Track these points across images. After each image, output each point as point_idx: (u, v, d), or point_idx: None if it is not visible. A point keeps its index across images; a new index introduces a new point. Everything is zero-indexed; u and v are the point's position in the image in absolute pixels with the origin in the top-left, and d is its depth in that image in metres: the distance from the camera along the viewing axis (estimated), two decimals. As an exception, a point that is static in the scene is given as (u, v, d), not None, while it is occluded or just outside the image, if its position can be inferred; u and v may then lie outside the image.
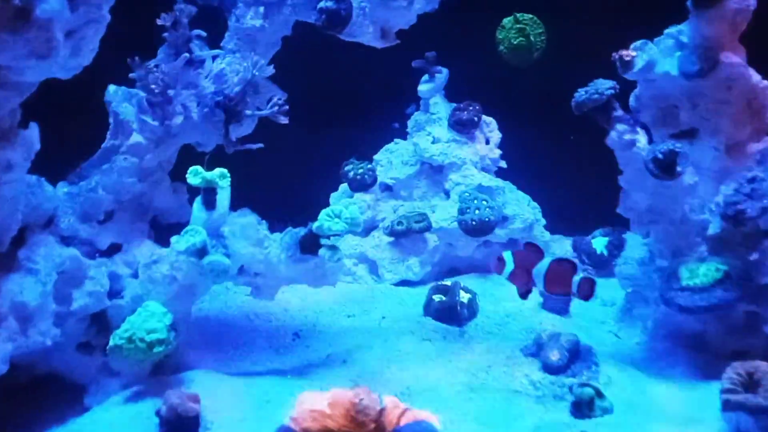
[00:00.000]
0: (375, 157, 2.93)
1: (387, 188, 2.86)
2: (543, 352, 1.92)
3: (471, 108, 2.78)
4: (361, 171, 2.81)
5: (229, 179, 1.84)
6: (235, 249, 1.82)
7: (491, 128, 2.84)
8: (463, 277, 2.58)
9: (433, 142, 2.78)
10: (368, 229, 2.79)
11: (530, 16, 2.53)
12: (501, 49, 2.55)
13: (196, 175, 1.79)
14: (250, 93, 1.96)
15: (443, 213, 2.69)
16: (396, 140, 2.97)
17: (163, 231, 2.05)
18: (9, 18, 1.18)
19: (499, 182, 2.74)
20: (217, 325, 2.20)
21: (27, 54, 1.19)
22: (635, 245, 2.23)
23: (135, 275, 1.88)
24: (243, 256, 1.85)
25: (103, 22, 1.46)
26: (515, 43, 2.54)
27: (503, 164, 2.82)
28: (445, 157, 2.74)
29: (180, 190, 2.11)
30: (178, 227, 1.87)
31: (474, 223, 2.58)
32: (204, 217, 1.83)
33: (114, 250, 1.96)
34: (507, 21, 2.53)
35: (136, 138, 1.94)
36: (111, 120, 1.95)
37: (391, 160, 2.90)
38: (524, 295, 1.88)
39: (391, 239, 2.70)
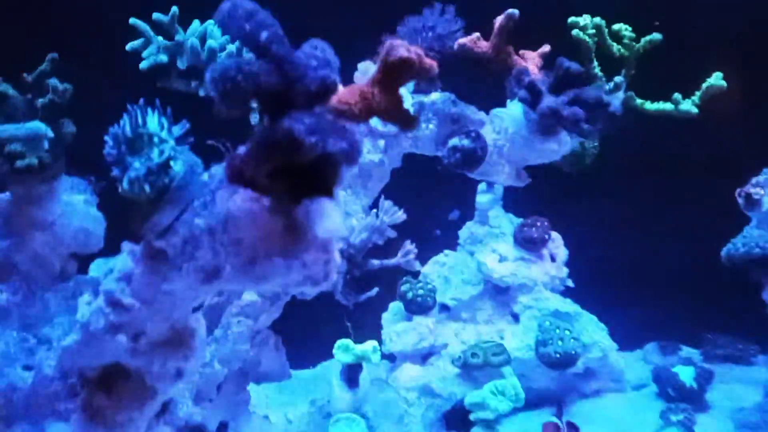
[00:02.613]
0: (423, 270, 2.78)
1: (445, 308, 2.71)
2: None
3: (539, 224, 2.69)
4: (421, 292, 2.64)
5: (380, 352, 1.64)
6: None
7: (557, 244, 2.76)
8: (537, 412, 2.47)
9: (500, 261, 2.66)
10: (425, 355, 2.63)
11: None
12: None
13: (347, 351, 1.58)
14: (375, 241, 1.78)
15: (515, 341, 2.57)
16: (445, 252, 2.84)
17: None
18: (280, 235, 0.96)
19: (575, 307, 2.65)
20: None
21: (301, 280, 0.98)
22: (728, 377, 2.20)
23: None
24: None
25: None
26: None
27: (570, 283, 2.74)
28: (515, 278, 2.63)
29: (279, 344, 1.88)
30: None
31: (558, 355, 2.47)
32: (348, 398, 1.61)
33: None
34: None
35: (250, 296, 1.71)
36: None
37: (447, 276, 2.76)
38: None
39: (459, 371, 2.54)
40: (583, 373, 2.58)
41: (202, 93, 1.92)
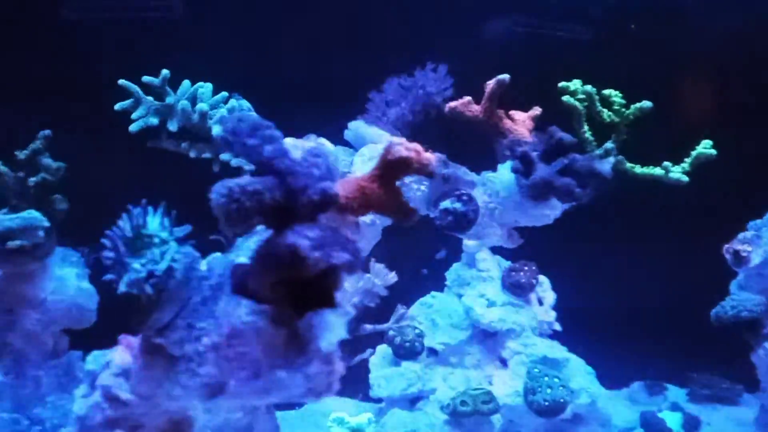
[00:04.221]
0: (410, 312, 2.81)
1: (433, 352, 2.75)
2: None
3: (527, 268, 2.74)
4: (410, 338, 2.68)
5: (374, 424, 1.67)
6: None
7: (544, 288, 2.81)
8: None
9: (488, 306, 2.71)
10: (413, 399, 2.67)
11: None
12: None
13: (342, 425, 1.61)
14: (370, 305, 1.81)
15: (504, 387, 2.61)
16: (432, 293, 2.87)
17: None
18: (283, 347, 0.99)
19: (563, 351, 2.70)
20: None
21: (304, 393, 1.01)
22: (715, 418, 2.25)
23: None
24: None
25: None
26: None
27: (557, 327, 2.79)
28: (503, 323, 2.67)
29: (271, 408, 1.90)
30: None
31: (547, 404, 2.52)
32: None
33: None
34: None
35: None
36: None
37: (434, 319, 2.79)
38: None
39: (448, 417, 2.58)
40: (572, 419, 2.62)
41: (193, 154, 1.95)
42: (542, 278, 2.81)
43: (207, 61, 2.08)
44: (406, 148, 1.17)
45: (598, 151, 1.77)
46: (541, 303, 2.80)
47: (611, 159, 1.79)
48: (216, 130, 1.94)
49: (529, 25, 2.64)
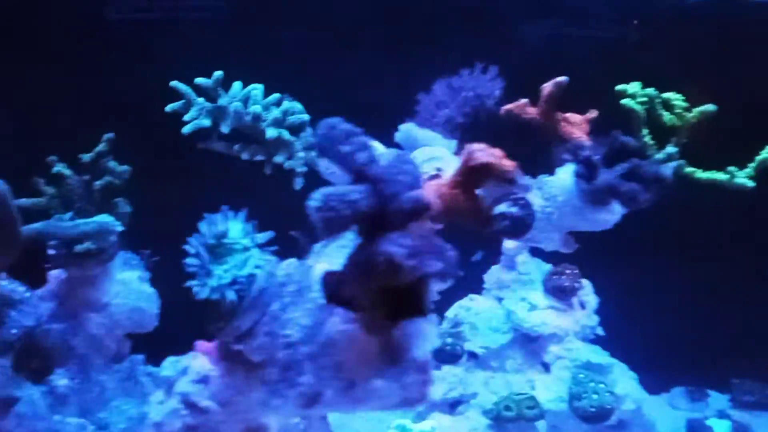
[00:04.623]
0: (447, 314, 2.81)
1: (473, 356, 2.74)
2: None
3: (569, 272, 2.73)
4: (450, 341, 2.67)
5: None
6: None
7: (586, 291, 2.79)
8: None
9: (529, 310, 2.70)
10: (453, 404, 2.66)
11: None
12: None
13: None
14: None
15: (547, 392, 2.60)
16: (470, 296, 2.86)
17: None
18: (378, 356, 0.99)
19: (607, 357, 2.68)
20: None
21: (399, 402, 1.00)
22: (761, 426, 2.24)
23: None
24: None
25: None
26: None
27: (600, 331, 2.77)
28: (546, 327, 2.66)
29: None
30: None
31: (593, 410, 2.51)
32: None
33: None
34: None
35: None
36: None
37: (473, 323, 2.78)
38: None
39: (491, 422, 2.57)
40: (616, 425, 2.61)
41: (245, 156, 1.94)
42: (584, 281, 2.80)
43: (252, 63, 2.07)
44: (488, 153, 1.17)
45: (659, 155, 1.76)
46: (583, 307, 2.78)
47: (672, 164, 1.77)
48: (270, 132, 1.94)
49: (569, 26, 2.63)
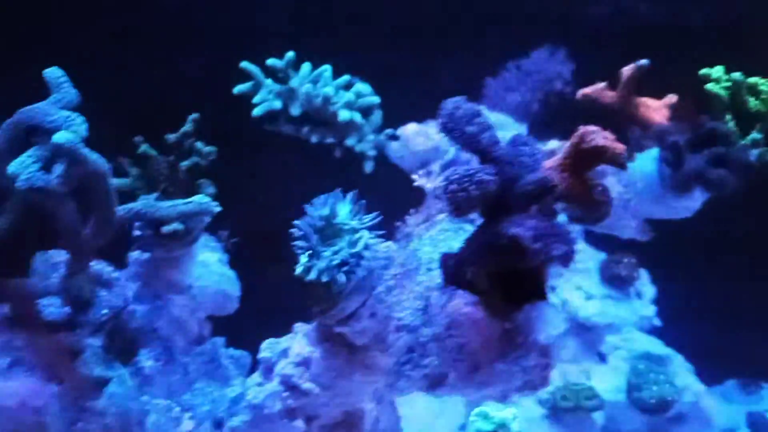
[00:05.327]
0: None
1: (527, 346, 2.73)
2: None
3: (626, 261, 2.71)
4: (506, 330, 2.66)
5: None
6: None
7: (643, 281, 2.78)
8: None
9: (585, 299, 2.68)
10: (507, 393, 2.65)
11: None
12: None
13: (486, 420, 1.60)
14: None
15: (603, 382, 2.59)
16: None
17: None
18: (500, 340, 0.98)
19: (665, 348, 2.67)
20: None
21: (521, 386, 1.00)
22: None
23: None
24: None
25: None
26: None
27: (657, 322, 2.76)
28: (602, 317, 2.65)
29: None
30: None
31: (653, 401, 2.50)
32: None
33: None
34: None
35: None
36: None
37: (527, 312, 2.78)
38: None
39: (547, 412, 2.56)
40: (674, 417, 2.60)
41: (314, 139, 1.93)
42: (641, 271, 2.78)
43: (315, 45, 2.06)
44: (602, 136, 1.15)
45: (744, 141, 1.74)
46: (640, 297, 2.77)
47: (755, 151, 1.75)
48: (343, 114, 1.93)
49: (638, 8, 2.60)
